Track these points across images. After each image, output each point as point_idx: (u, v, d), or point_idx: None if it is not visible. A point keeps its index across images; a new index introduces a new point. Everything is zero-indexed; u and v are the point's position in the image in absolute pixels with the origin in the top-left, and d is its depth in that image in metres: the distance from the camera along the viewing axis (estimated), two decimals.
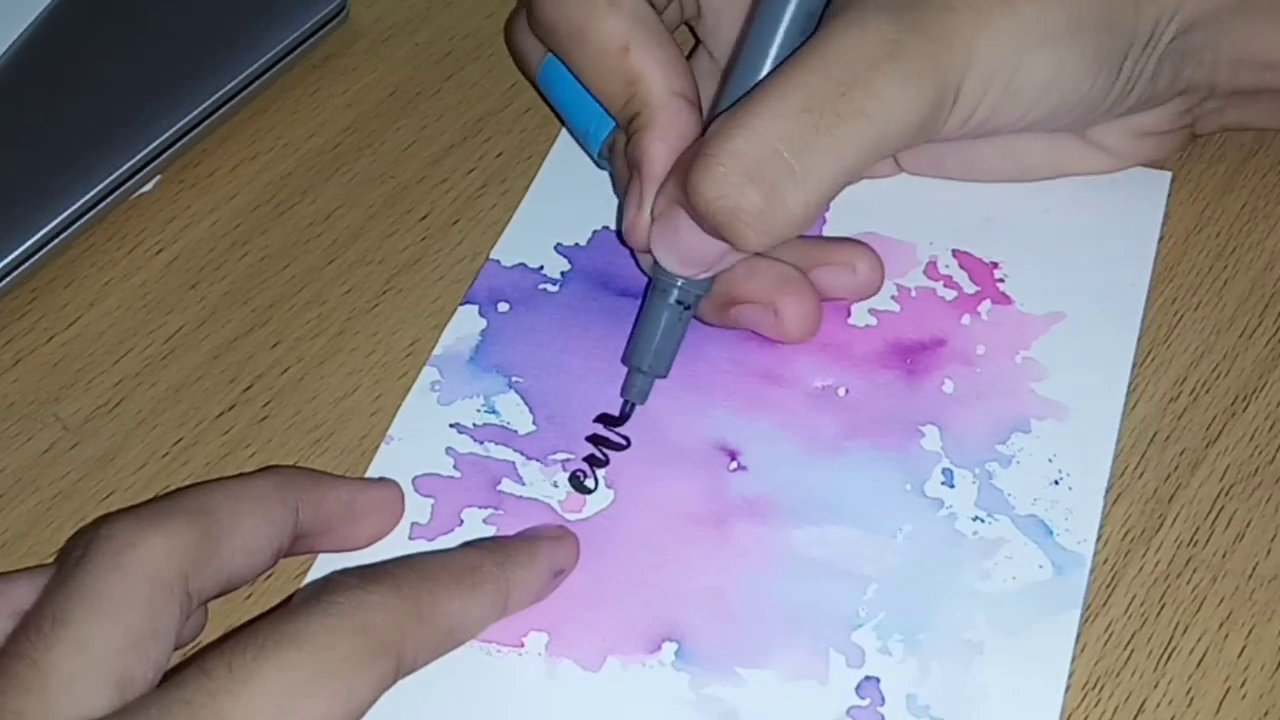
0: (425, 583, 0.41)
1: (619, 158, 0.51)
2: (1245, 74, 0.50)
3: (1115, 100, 0.49)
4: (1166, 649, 0.45)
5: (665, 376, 0.50)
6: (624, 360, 0.50)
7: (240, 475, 0.46)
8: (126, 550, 0.40)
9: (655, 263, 0.49)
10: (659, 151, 0.48)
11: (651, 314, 0.49)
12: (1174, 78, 0.50)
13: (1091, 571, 0.46)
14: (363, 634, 0.39)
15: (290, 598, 0.46)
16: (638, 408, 0.49)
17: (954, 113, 0.47)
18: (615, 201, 0.55)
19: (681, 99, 0.49)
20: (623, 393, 0.50)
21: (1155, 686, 0.44)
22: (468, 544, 0.46)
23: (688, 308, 0.49)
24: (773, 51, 0.48)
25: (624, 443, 0.49)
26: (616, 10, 0.49)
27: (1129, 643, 0.45)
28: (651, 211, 0.48)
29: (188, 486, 0.47)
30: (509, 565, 0.44)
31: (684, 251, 0.47)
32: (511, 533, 0.47)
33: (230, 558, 0.42)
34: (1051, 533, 0.47)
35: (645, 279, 0.52)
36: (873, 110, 0.45)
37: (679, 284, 0.49)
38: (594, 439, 0.49)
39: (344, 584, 0.40)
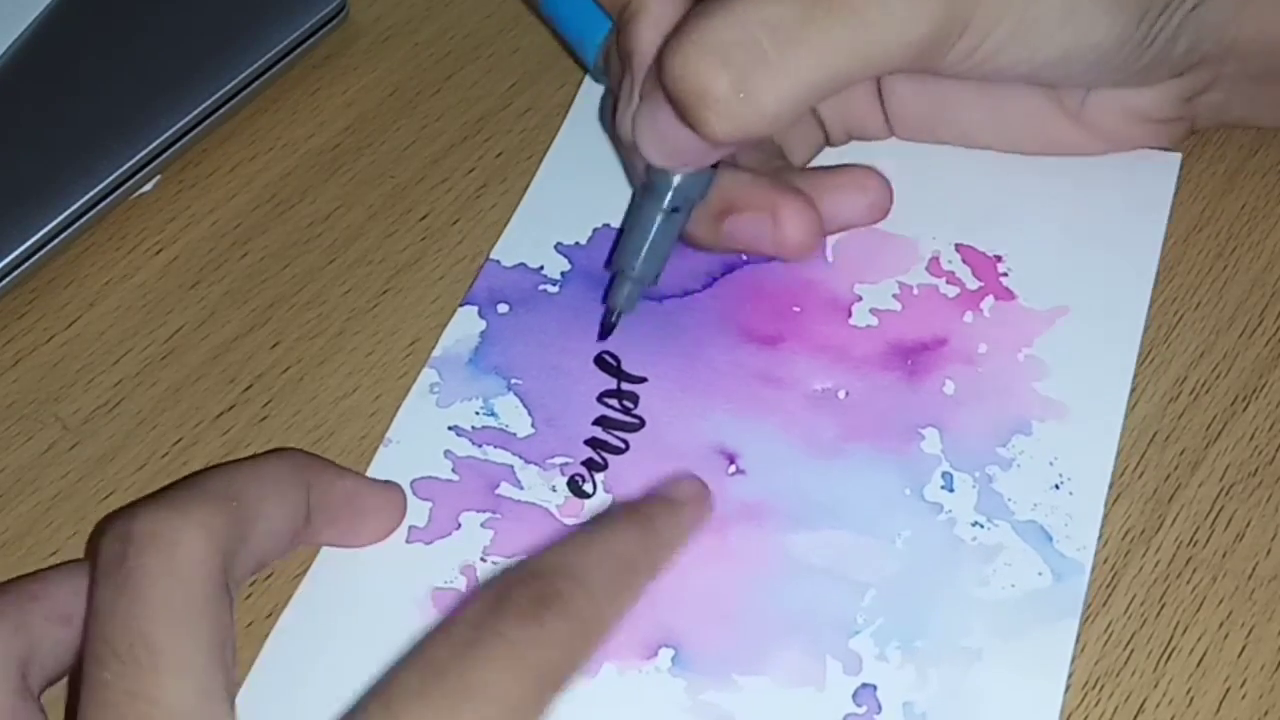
0: (591, 601, 0.41)
1: (613, 59, 0.50)
2: (1258, 58, 0.49)
3: (1128, 55, 0.47)
4: (1166, 649, 0.45)
5: (654, 284, 0.49)
6: (607, 265, 0.50)
7: (254, 457, 0.46)
8: (175, 550, 0.40)
9: (649, 165, 0.47)
10: (649, 38, 0.47)
11: (642, 216, 0.48)
12: (1190, 48, 0.48)
13: (1092, 571, 0.46)
14: (540, 677, 0.39)
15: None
16: (642, 407, 0.50)
17: (960, 43, 0.45)
18: (615, 200, 0.54)
19: None
20: (606, 298, 0.49)
21: (1155, 686, 0.44)
22: (616, 511, 0.46)
23: (677, 210, 0.48)
24: None
25: (623, 446, 0.49)
26: None
27: (1129, 643, 0.45)
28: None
29: (208, 469, 0.46)
30: (657, 550, 0.44)
31: (663, 139, 0.46)
32: (510, 537, 0.47)
33: (258, 543, 0.43)
34: (1051, 539, 0.46)
35: None
36: (871, 16, 0.43)
37: (674, 184, 0.47)
38: (593, 442, 0.49)
39: (517, 610, 0.40)
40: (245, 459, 0.46)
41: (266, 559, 0.43)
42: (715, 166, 0.48)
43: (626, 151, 0.50)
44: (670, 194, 0.48)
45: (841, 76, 0.44)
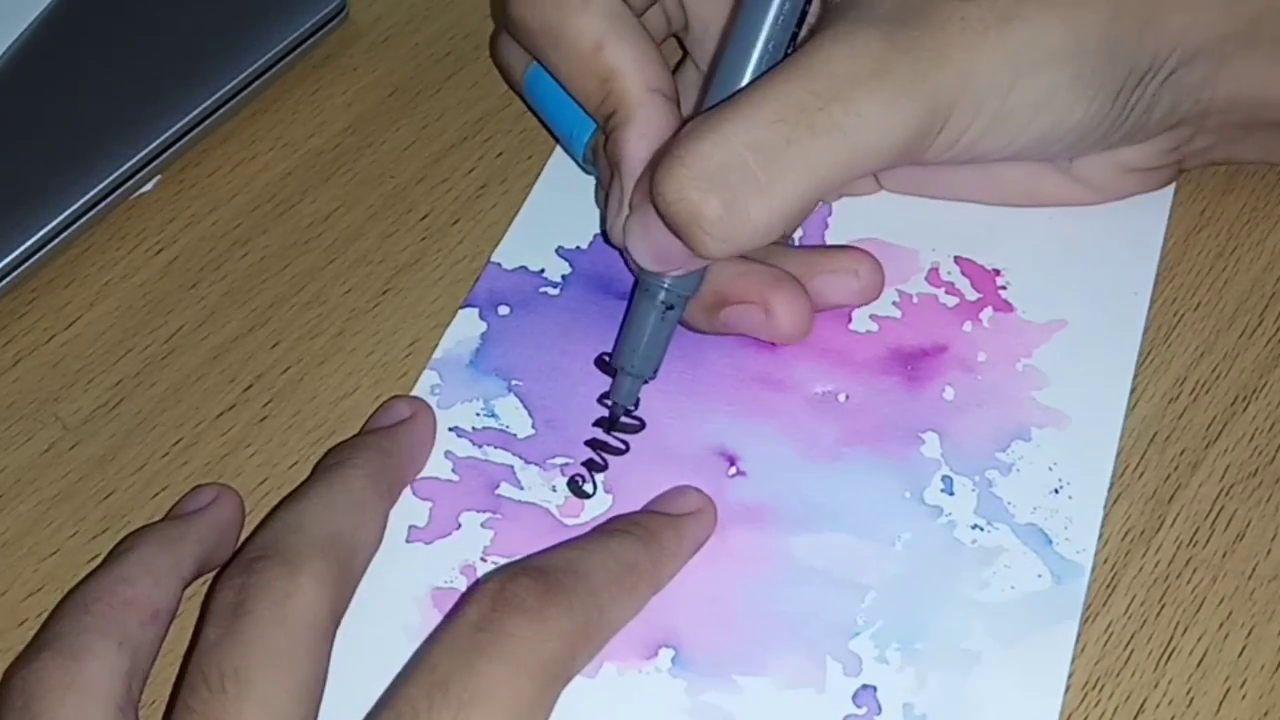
0: (593, 598, 0.42)
1: (601, 159, 0.50)
2: (1239, 111, 0.50)
3: (1107, 129, 0.48)
4: (1166, 649, 0.45)
5: (653, 378, 0.49)
6: (610, 362, 0.50)
7: (336, 472, 0.46)
8: (285, 602, 0.41)
9: (641, 267, 0.48)
10: (636, 148, 0.48)
11: (638, 315, 0.49)
12: (1170, 111, 0.49)
13: (1092, 571, 0.46)
14: (544, 672, 0.40)
15: None
16: (642, 408, 0.49)
17: (940, 137, 0.46)
18: None
19: (657, 94, 0.48)
20: (610, 395, 0.50)
21: (1155, 686, 0.44)
22: (617, 523, 0.46)
23: (671, 308, 0.49)
24: (753, 59, 0.47)
25: (623, 447, 0.49)
26: (589, 8, 0.48)
27: (1129, 643, 0.45)
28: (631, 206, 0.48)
29: (297, 504, 0.45)
30: (661, 560, 0.45)
31: (655, 248, 0.47)
32: (510, 537, 0.47)
33: (360, 573, 0.44)
34: (1051, 542, 0.46)
35: None
36: (850, 127, 0.44)
37: (665, 284, 0.48)
38: (593, 443, 0.49)
39: (519, 605, 0.41)
40: (325, 474, 0.46)
41: (360, 578, 0.45)
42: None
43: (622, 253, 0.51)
44: (663, 294, 0.48)
45: (828, 186, 0.45)
